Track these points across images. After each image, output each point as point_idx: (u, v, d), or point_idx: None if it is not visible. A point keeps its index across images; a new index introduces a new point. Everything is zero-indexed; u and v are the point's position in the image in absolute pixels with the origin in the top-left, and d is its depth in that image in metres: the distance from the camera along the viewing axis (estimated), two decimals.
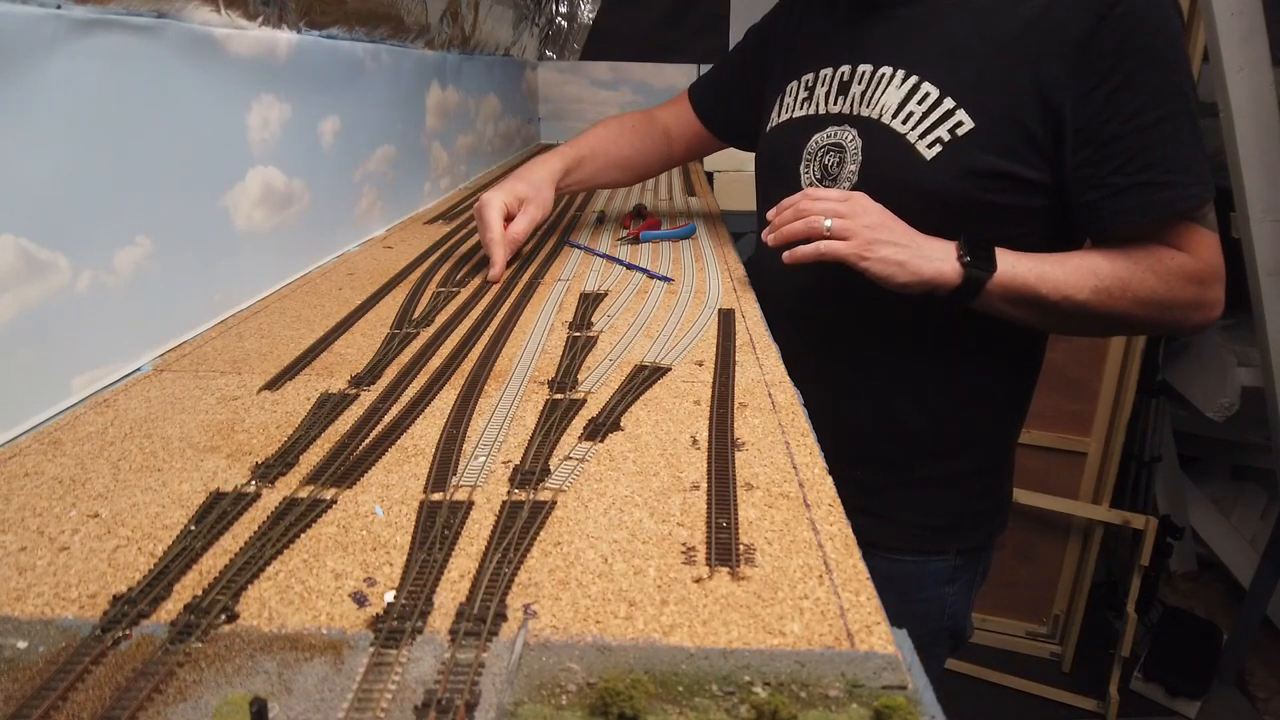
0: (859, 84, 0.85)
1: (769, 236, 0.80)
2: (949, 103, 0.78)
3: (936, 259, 0.75)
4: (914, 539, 0.91)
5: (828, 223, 0.76)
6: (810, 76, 0.91)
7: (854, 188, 0.84)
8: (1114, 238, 0.77)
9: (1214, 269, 0.76)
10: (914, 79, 0.81)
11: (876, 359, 0.88)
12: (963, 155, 0.78)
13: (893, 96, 0.82)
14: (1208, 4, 1.53)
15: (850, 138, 0.85)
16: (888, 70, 0.83)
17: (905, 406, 0.88)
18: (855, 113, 0.85)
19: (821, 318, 0.89)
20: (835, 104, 0.88)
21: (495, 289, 0.91)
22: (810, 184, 0.90)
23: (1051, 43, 0.74)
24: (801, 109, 0.92)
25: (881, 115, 0.82)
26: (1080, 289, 0.74)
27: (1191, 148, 0.74)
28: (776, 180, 0.94)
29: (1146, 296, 0.74)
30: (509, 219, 1.00)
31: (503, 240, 0.96)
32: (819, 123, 0.89)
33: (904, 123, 0.80)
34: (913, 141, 0.80)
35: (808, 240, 0.78)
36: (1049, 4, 0.74)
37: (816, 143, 0.88)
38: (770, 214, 0.82)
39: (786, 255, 0.77)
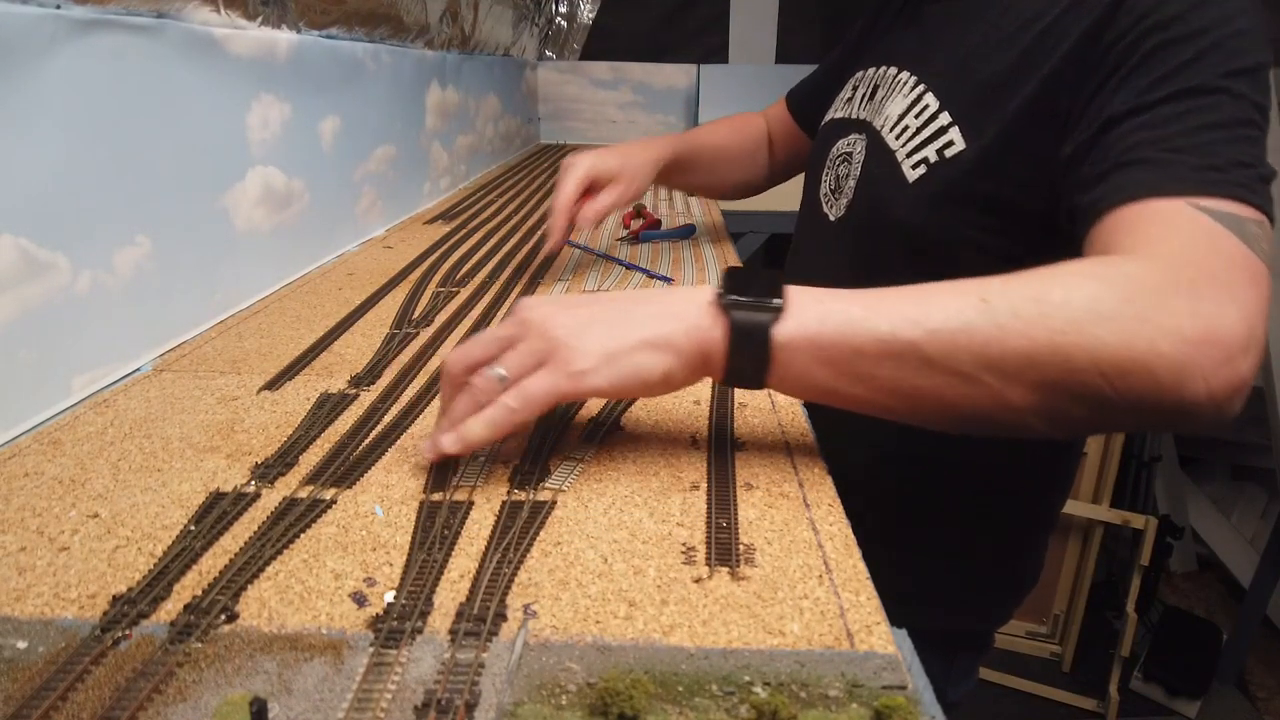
0: (883, 88, 0.76)
1: (448, 442, 0.48)
2: (945, 118, 0.67)
3: (676, 313, 0.47)
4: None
5: (499, 370, 0.47)
6: (860, 75, 0.83)
7: (850, 205, 0.77)
8: (1095, 245, 0.52)
9: (1230, 279, 0.44)
10: (920, 88, 0.70)
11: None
12: (946, 180, 0.66)
13: (897, 106, 0.72)
14: None
15: (860, 149, 0.77)
16: (904, 76, 0.73)
17: (865, 456, 0.66)
18: (870, 120, 0.76)
19: None
20: (864, 108, 0.79)
21: (495, 289, 0.91)
22: (824, 194, 0.82)
23: (1065, 42, 0.59)
24: (842, 110, 0.84)
25: (883, 126, 0.73)
26: (956, 312, 0.44)
27: (1218, 132, 0.50)
28: (808, 185, 0.88)
29: (1082, 307, 0.43)
30: (591, 192, 0.91)
31: (567, 209, 0.88)
32: (845, 127, 0.81)
33: (897, 137, 0.71)
34: (900, 160, 0.70)
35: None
36: (1072, 4, 0.60)
37: (837, 150, 0.81)
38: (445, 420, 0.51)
39: (442, 447, 0.48)
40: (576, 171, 0.89)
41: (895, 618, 0.37)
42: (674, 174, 1.02)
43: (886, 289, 0.48)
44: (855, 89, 0.83)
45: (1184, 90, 0.52)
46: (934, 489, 0.75)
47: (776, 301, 0.46)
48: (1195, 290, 0.44)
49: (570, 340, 0.46)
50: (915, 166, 0.69)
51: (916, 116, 0.70)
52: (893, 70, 0.76)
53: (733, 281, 0.48)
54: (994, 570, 0.82)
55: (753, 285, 0.47)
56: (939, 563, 0.79)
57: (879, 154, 0.73)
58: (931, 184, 0.67)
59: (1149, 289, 0.44)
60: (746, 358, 0.46)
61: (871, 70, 0.81)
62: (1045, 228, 0.61)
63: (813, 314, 0.46)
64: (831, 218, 0.81)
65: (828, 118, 0.88)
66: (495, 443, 0.46)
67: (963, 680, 0.85)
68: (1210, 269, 0.45)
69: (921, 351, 0.44)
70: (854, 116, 0.81)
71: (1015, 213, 0.63)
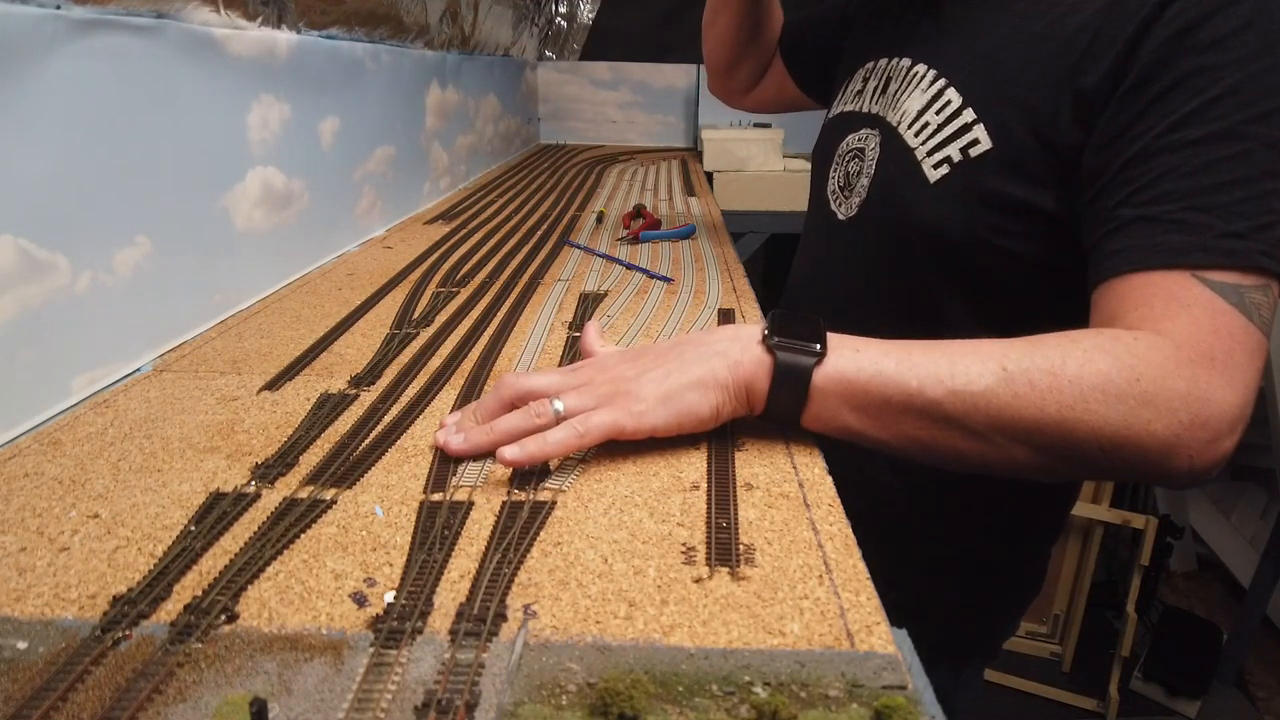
0: (896, 81, 0.73)
1: (458, 442, 0.52)
2: (969, 115, 0.64)
3: (720, 351, 0.52)
4: None
5: (558, 404, 0.51)
6: (870, 66, 0.79)
7: (863, 204, 0.74)
8: (1104, 310, 0.54)
9: (1229, 359, 0.48)
10: (941, 82, 0.67)
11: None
12: (971, 181, 0.63)
13: (915, 101, 0.69)
14: None
15: (873, 145, 0.74)
16: (921, 69, 0.70)
17: (871, 472, 0.69)
18: (884, 115, 0.73)
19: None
20: (875, 102, 0.75)
21: (495, 289, 0.91)
22: (833, 191, 0.80)
23: (1100, 46, 0.57)
24: (851, 102, 0.80)
25: (900, 122, 0.70)
26: (978, 376, 0.48)
27: (1246, 189, 0.51)
28: (815, 182, 0.85)
29: (1091, 385, 0.47)
30: None
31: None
32: (855, 122, 0.78)
33: (916, 134, 0.68)
34: (920, 158, 0.67)
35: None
36: (1111, 3, 0.57)
37: (846, 145, 0.78)
38: (457, 417, 0.55)
39: (506, 456, 0.49)
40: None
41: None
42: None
43: (915, 342, 0.51)
44: (865, 81, 0.79)
45: (1216, 134, 0.51)
46: (938, 501, 0.74)
47: (819, 346, 0.50)
48: (1194, 374, 0.48)
49: (629, 386, 0.51)
50: (937, 166, 0.66)
51: (938, 113, 0.67)
52: (905, 62, 0.73)
53: (778, 323, 0.52)
54: (997, 581, 0.81)
55: (796, 328, 0.52)
56: (943, 576, 0.78)
57: (895, 151, 0.70)
58: (954, 182, 0.65)
59: (1153, 371, 0.48)
60: (787, 395, 0.51)
61: (883, 61, 0.77)
62: (1070, 233, 0.59)
63: (849, 362, 0.50)
64: (841, 216, 0.78)
65: (835, 110, 0.84)
66: (544, 461, 0.51)
67: (969, 688, 0.85)
68: (1210, 350, 0.48)
69: (943, 409, 0.49)
70: (865, 110, 0.77)
71: (1042, 216, 0.61)
